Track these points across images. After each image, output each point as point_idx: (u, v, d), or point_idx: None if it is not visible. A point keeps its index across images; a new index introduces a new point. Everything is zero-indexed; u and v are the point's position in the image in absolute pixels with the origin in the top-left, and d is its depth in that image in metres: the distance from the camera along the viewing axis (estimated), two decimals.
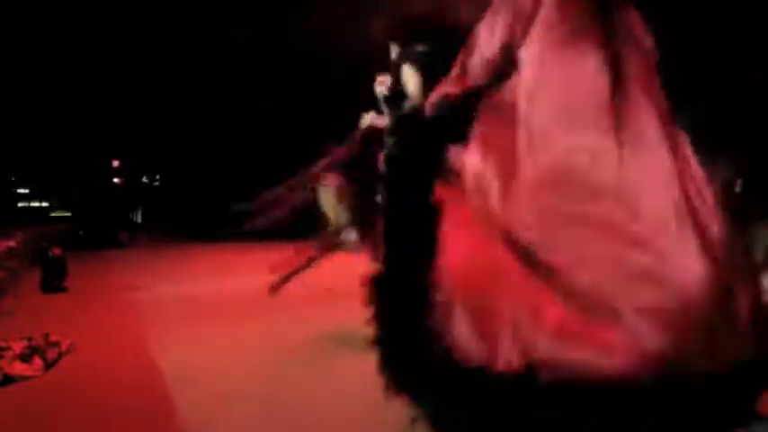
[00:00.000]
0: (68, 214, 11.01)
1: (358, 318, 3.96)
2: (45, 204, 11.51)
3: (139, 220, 11.42)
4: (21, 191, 11.30)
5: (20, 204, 11.18)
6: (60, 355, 2.93)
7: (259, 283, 5.44)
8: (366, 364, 2.91)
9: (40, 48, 8.88)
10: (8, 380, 2.58)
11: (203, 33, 9.23)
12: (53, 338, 3.03)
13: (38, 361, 2.77)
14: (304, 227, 4.36)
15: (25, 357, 2.77)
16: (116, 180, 10.79)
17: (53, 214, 11.29)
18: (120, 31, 9.14)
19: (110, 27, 9.12)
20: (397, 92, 2.47)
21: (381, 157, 2.58)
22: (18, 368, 2.67)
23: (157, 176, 11.69)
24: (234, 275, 6.02)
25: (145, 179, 11.68)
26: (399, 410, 2.29)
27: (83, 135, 9.88)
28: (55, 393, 2.50)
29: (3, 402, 2.39)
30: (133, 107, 9.79)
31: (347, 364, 2.96)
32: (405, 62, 2.34)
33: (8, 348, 2.81)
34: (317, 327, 3.77)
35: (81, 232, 8.86)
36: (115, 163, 10.79)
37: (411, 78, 2.29)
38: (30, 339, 2.95)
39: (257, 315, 4.11)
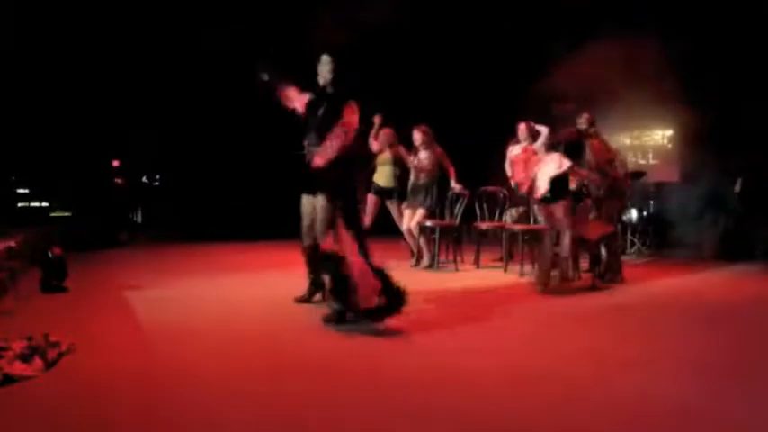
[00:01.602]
0: (68, 214, 10.98)
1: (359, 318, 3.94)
2: (45, 204, 11.48)
3: (139, 219, 11.40)
4: (21, 191, 11.27)
5: (20, 204, 11.14)
6: (60, 355, 2.93)
7: (259, 282, 5.45)
8: (365, 366, 2.92)
9: (40, 47, 8.87)
10: (8, 380, 2.58)
11: (203, 33, 9.23)
12: (53, 338, 3.03)
13: (38, 361, 2.77)
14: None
15: (25, 357, 2.76)
16: (116, 180, 10.77)
17: (53, 214, 11.26)
18: (121, 30, 9.14)
19: (110, 27, 9.12)
20: None
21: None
22: (18, 368, 2.67)
23: (157, 176, 11.66)
24: (234, 275, 6.02)
25: (145, 179, 11.65)
26: (397, 410, 2.30)
27: (83, 135, 9.87)
28: (55, 393, 2.50)
29: (3, 402, 2.39)
30: (133, 107, 9.78)
31: (347, 365, 2.96)
32: None
33: (8, 348, 2.80)
34: (318, 327, 3.77)
35: (81, 232, 8.85)
36: (115, 163, 10.78)
37: None
38: (30, 339, 2.94)
39: (258, 315, 4.11)
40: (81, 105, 9.58)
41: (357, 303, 3.54)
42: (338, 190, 3.98)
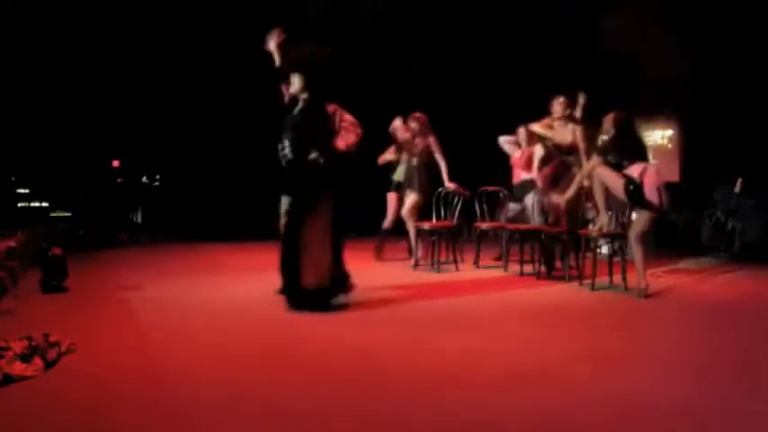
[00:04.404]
0: (68, 214, 10.99)
1: (361, 319, 3.98)
2: (45, 204, 11.48)
3: (139, 220, 11.39)
4: (21, 191, 11.28)
5: (20, 204, 11.14)
6: (60, 355, 2.93)
7: (259, 282, 5.45)
8: (365, 365, 2.92)
9: (40, 47, 8.87)
10: (8, 380, 2.58)
11: (203, 33, 9.24)
12: (53, 338, 3.03)
13: (38, 361, 2.77)
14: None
15: (25, 357, 2.76)
16: (116, 180, 10.78)
17: (53, 214, 11.27)
18: (120, 29, 9.14)
19: (110, 26, 9.12)
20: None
21: None
22: (18, 368, 2.67)
23: (157, 176, 11.65)
24: (234, 275, 6.02)
25: (145, 179, 11.65)
26: (397, 409, 2.30)
27: (83, 135, 9.87)
28: (55, 393, 2.50)
29: (3, 402, 2.39)
30: (133, 107, 9.78)
31: (346, 364, 2.96)
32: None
33: (8, 348, 2.80)
34: (319, 327, 3.77)
35: (81, 232, 8.85)
36: (115, 163, 10.79)
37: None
38: (30, 339, 2.94)
39: (258, 314, 4.11)
40: (81, 105, 9.58)
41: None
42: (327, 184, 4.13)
